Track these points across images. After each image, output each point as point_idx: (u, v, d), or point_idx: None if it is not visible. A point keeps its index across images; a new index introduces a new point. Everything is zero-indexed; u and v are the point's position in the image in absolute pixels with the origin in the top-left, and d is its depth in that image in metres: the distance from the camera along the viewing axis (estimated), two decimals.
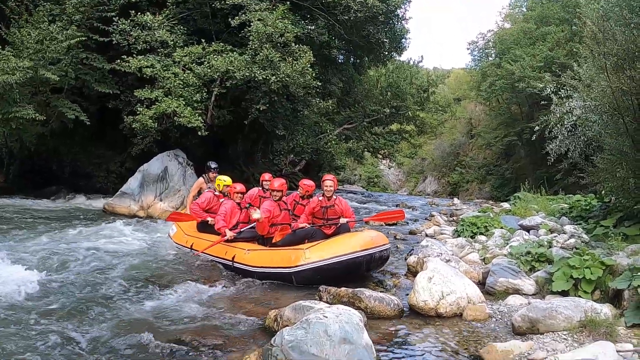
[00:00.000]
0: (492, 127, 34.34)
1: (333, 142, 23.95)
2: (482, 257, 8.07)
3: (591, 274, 5.41)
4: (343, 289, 5.81)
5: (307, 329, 3.75)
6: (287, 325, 4.19)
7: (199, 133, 14.80)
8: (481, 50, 37.90)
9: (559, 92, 13.30)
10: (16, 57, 13.35)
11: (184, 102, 14.69)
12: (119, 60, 15.06)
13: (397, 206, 20.64)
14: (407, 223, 14.39)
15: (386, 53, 24.64)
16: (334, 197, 7.83)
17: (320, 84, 17.34)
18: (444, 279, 5.65)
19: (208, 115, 16.01)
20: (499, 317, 5.32)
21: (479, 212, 13.51)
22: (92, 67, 15.37)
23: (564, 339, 4.32)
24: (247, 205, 8.28)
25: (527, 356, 4.05)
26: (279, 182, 7.78)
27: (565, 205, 11.61)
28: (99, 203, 15.43)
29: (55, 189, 17.06)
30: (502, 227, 10.07)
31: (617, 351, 3.80)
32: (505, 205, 16.48)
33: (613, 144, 8.20)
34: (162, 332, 4.74)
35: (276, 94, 16.08)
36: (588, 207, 10.16)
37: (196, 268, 7.68)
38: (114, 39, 15.44)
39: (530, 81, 23.28)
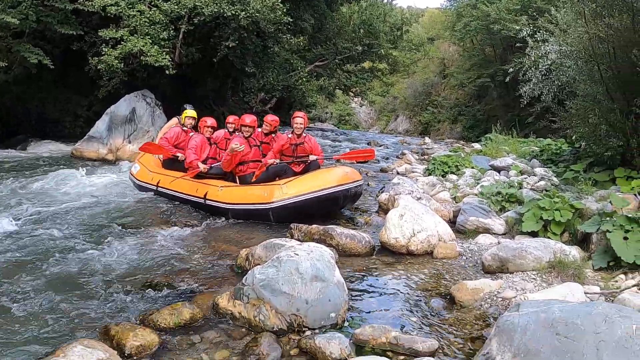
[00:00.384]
0: (465, 68, 34.06)
1: (304, 79, 23.56)
2: (453, 196, 8.09)
3: (561, 216, 5.46)
4: (314, 226, 5.76)
5: (279, 267, 3.68)
6: (259, 264, 4.13)
7: (167, 72, 14.30)
8: None
9: (535, 36, 13.16)
10: None
11: (150, 41, 14.12)
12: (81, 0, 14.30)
13: (368, 144, 20.55)
14: (378, 161, 14.37)
15: None
16: (304, 134, 7.72)
17: (291, 20, 16.87)
18: (415, 216, 5.63)
19: (176, 54, 15.45)
20: (469, 255, 5.36)
21: (450, 151, 13.53)
22: (53, 8, 14.40)
23: (533, 278, 4.37)
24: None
25: (497, 294, 4.08)
26: (250, 118, 7.51)
27: (536, 148, 11.70)
28: (67, 149, 14.87)
29: (22, 137, 16.40)
30: (473, 167, 10.10)
31: (585, 293, 3.86)
32: (477, 145, 16.53)
33: (587, 90, 8.19)
34: (130, 277, 4.59)
35: (246, 30, 15.51)
36: (558, 151, 10.25)
37: (163, 209, 7.35)
38: None
39: (506, 23, 22.97)
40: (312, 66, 26.41)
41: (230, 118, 8.61)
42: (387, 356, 3.15)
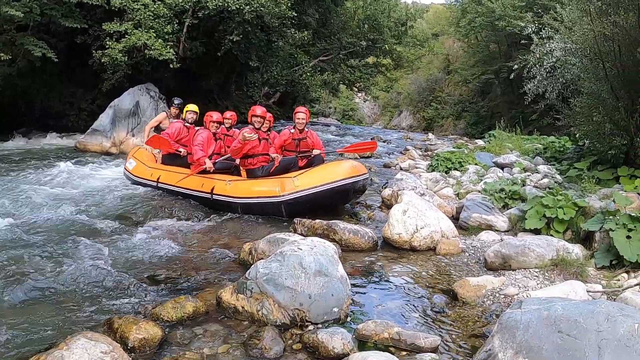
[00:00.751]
0: (470, 64, 33.98)
1: (308, 74, 23.48)
2: (456, 192, 8.09)
3: (564, 214, 5.46)
4: (317, 221, 5.77)
5: (282, 262, 3.69)
6: (262, 258, 4.13)
7: (171, 66, 14.30)
8: None
9: (540, 33, 13.12)
10: None
11: (154, 34, 14.13)
12: None
13: (371, 139, 20.54)
14: (382, 156, 14.37)
15: None
16: (306, 129, 7.73)
17: (295, 14, 16.91)
18: (418, 212, 5.64)
19: (180, 47, 15.43)
20: (472, 252, 5.37)
21: (454, 147, 13.54)
22: (57, 1, 14.33)
23: (536, 276, 4.37)
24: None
25: (499, 291, 4.10)
26: (260, 109, 7.40)
27: (540, 145, 11.68)
28: (70, 142, 14.88)
29: (26, 130, 16.39)
30: (476, 164, 10.10)
31: (587, 291, 3.87)
32: (480, 142, 16.53)
33: (591, 88, 8.16)
34: (134, 271, 4.60)
35: (250, 24, 15.53)
36: (562, 149, 10.23)
37: (166, 204, 7.26)
38: None
39: (511, 20, 22.92)
40: (316, 61, 26.36)
41: (228, 114, 8.48)
42: (390, 351, 3.15)
